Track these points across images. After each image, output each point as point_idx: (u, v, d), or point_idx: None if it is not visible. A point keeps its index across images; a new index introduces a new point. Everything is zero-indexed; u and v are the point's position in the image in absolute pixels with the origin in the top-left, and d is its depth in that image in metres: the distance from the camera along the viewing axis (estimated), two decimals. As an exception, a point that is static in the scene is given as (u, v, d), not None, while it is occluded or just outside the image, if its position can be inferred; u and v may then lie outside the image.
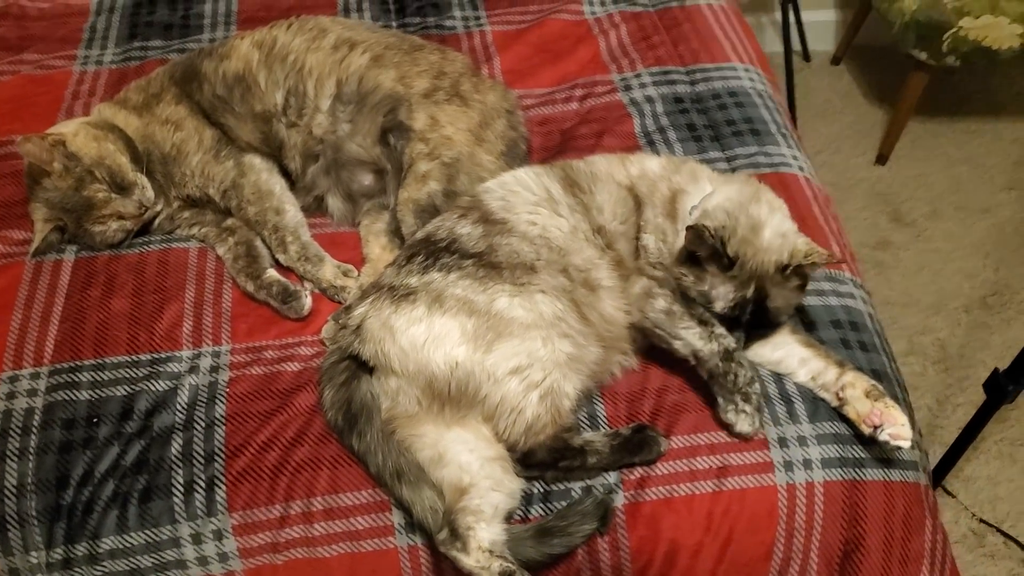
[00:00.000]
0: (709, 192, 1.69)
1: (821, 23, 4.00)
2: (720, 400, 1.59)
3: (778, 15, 3.55)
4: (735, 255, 1.58)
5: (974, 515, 2.55)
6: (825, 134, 3.70)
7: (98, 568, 1.51)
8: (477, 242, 1.61)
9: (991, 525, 2.52)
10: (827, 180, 3.47)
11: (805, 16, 3.85)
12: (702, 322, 1.59)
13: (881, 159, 3.56)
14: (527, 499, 1.55)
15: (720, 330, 1.59)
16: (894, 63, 3.89)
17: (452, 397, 1.53)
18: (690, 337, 1.59)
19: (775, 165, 2.04)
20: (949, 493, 2.59)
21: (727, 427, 1.59)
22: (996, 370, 2.17)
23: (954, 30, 3.14)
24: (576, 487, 1.56)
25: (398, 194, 1.86)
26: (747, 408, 1.57)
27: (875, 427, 1.57)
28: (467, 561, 1.42)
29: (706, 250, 1.59)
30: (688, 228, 1.57)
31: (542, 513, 1.55)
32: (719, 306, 1.60)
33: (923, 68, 3.32)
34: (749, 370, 1.57)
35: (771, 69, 2.40)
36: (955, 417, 2.73)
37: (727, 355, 1.56)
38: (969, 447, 2.63)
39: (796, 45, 3.97)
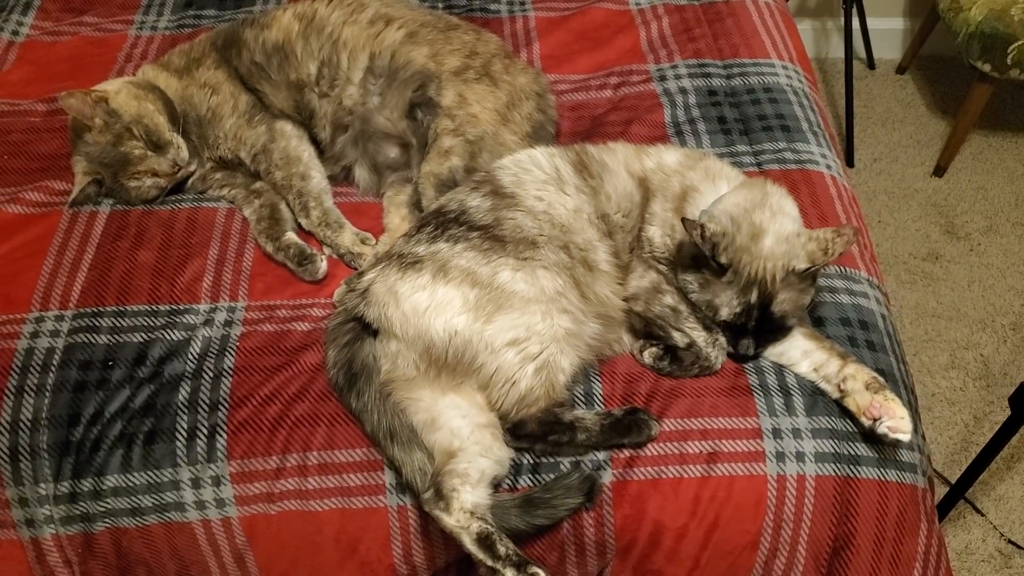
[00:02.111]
0: (722, 194, 1.69)
1: (888, 31, 3.94)
2: (657, 348, 1.68)
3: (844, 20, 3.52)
4: (728, 262, 1.59)
5: (1003, 535, 2.49)
6: (884, 142, 3.65)
7: (101, 504, 1.57)
8: (485, 215, 1.65)
9: (1020, 547, 2.46)
10: (882, 188, 3.44)
11: (872, 23, 3.80)
12: (707, 328, 1.66)
13: (939, 171, 3.50)
14: (516, 470, 1.58)
15: (722, 341, 1.66)
16: (960, 75, 3.83)
17: (449, 364, 1.56)
18: (694, 335, 1.66)
19: (802, 162, 2.03)
20: (978, 511, 2.55)
21: (640, 358, 1.70)
22: (1022, 384, 2.13)
23: (1019, 43, 3.08)
24: (565, 461, 1.58)
25: (420, 167, 1.91)
26: (663, 367, 1.67)
27: (874, 419, 1.58)
28: (448, 520, 1.46)
29: (696, 249, 1.61)
30: (683, 220, 1.59)
31: (531, 484, 1.58)
32: (724, 313, 1.62)
33: (987, 80, 3.26)
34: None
35: (812, 69, 2.38)
36: (991, 435, 2.68)
37: (707, 369, 1.66)
38: (1005, 467, 2.59)
39: (862, 52, 3.93)
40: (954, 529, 2.51)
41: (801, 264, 1.59)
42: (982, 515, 2.54)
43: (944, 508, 2.43)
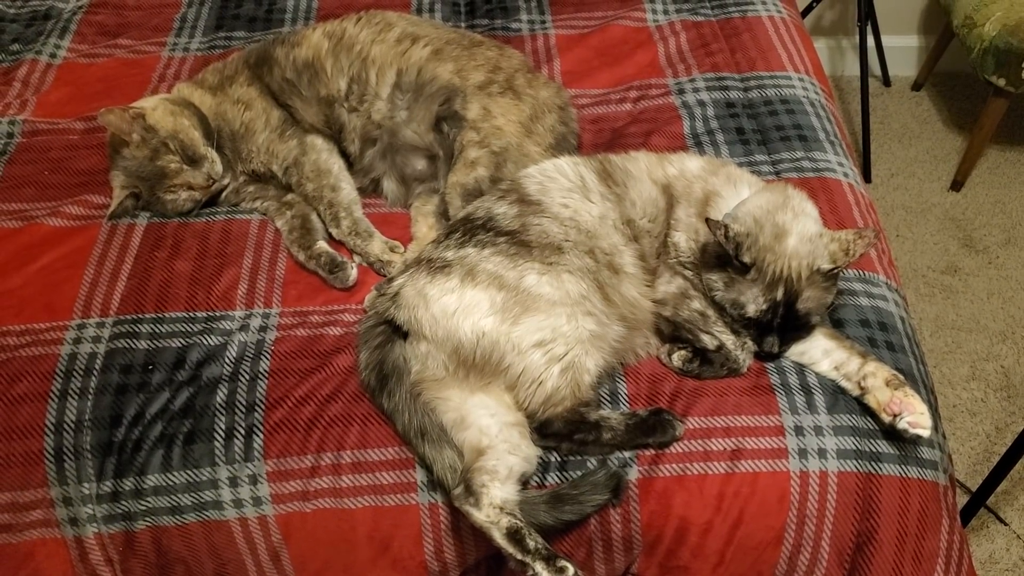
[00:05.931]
0: (744, 198, 1.74)
1: (903, 48, 3.98)
2: (686, 351, 1.71)
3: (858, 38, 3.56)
4: (752, 261, 1.63)
5: (1027, 545, 2.51)
6: (901, 158, 3.68)
7: (142, 503, 1.62)
8: (511, 221, 1.70)
9: (1044, 556, 2.48)
10: (899, 203, 3.47)
11: (887, 41, 3.85)
12: (735, 332, 1.70)
13: (956, 185, 3.53)
14: (544, 467, 1.62)
15: (750, 345, 1.70)
16: (976, 90, 3.86)
17: (477, 364, 1.61)
18: (723, 338, 1.69)
19: (820, 170, 2.07)
20: (1001, 520, 2.56)
21: (668, 362, 1.73)
22: (1042, 390, 2.15)
23: (1033, 57, 3.12)
24: (592, 459, 1.62)
25: (447, 178, 1.97)
26: (692, 369, 1.70)
27: (894, 415, 1.60)
28: (478, 516, 1.49)
29: (720, 250, 1.65)
30: (707, 220, 1.63)
31: (558, 481, 1.61)
32: (751, 310, 1.65)
33: (1002, 95, 3.30)
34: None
35: (828, 82, 2.43)
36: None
37: (734, 371, 1.69)
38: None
39: (877, 70, 3.97)
40: (977, 539, 2.52)
41: (825, 264, 1.63)
42: (1005, 524, 2.55)
43: (966, 517, 2.44)
